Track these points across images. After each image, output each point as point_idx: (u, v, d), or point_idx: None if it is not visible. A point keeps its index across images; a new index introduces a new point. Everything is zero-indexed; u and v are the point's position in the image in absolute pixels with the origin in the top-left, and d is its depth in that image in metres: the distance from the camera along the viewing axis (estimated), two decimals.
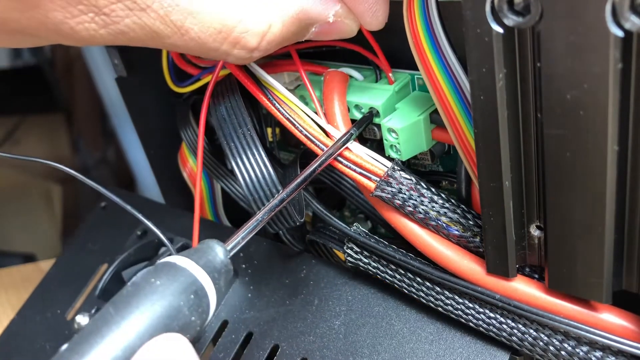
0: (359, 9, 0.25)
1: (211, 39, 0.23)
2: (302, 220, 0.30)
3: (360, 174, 0.27)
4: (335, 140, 0.27)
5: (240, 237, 0.24)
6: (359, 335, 0.29)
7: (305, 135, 0.28)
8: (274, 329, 0.31)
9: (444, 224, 0.26)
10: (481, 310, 0.26)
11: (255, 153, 0.29)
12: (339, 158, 0.27)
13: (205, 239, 0.23)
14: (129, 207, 0.31)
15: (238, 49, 0.24)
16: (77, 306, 0.38)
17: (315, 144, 0.28)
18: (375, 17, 0.25)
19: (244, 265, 0.34)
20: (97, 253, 0.40)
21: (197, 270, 0.21)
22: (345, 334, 0.29)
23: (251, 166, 0.29)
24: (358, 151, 0.28)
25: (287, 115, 0.28)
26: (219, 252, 0.23)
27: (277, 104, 0.29)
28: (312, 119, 0.29)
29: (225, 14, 0.23)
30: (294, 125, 0.28)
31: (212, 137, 0.39)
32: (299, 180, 0.27)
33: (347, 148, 0.27)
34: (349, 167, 0.27)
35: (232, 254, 0.23)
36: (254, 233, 0.25)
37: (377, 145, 0.30)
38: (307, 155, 0.32)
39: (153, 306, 0.19)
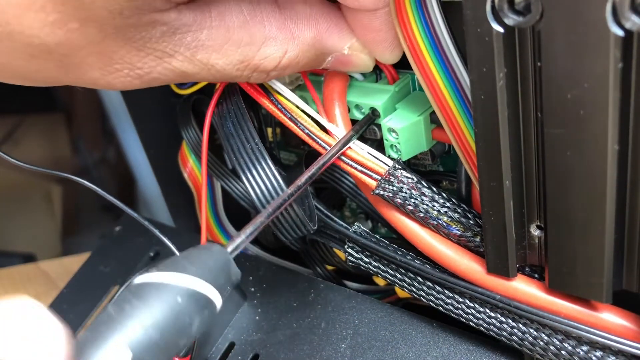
0: (375, 49, 0.27)
1: (235, 69, 0.25)
2: (315, 228, 0.30)
3: (362, 172, 0.27)
4: (338, 139, 0.28)
5: (243, 237, 0.24)
6: (364, 359, 0.29)
7: (308, 135, 0.28)
8: (281, 352, 0.31)
9: (445, 223, 0.26)
10: (481, 309, 0.26)
11: (265, 167, 0.29)
12: (341, 156, 0.27)
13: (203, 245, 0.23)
14: (146, 223, 0.31)
15: (258, 72, 0.26)
16: (87, 326, 0.38)
17: (318, 143, 0.28)
18: (392, 55, 0.27)
19: (252, 289, 0.35)
20: (109, 274, 0.40)
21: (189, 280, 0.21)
22: (351, 357, 0.30)
23: (262, 180, 0.29)
24: (360, 149, 0.28)
25: (290, 115, 0.29)
26: (216, 252, 0.22)
27: (278, 105, 0.29)
28: (313, 119, 0.29)
29: (246, 46, 0.25)
30: (296, 124, 0.28)
31: (213, 135, 0.39)
32: (302, 180, 0.27)
33: (348, 147, 0.27)
34: (351, 165, 0.27)
35: (234, 254, 0.23)
36: (257, 233, 0.25)
37: (378, 145, 0.30)
38: (312, 157, 0.32)
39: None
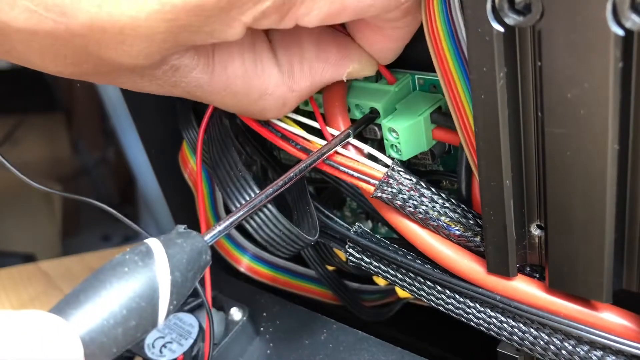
0: (381, 57, 0.28)
1: (231, 110, 0.28)
2: (315, 238, 0.30)
3: (359, 178, 0.27)
4: (328, 142, 0.28)
5: (222, 227, 0.25)
6: None
7: (301, 150, 0.29)
8: None
9: (445, 224, 0.26)
10: (482, 309, 0.26)
11: (252, 194, 0.30)
12: (334, 164, 0.28)
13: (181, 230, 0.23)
14: (144, 233, 0.31)
15: (267, 109, 0.27)
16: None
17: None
18: (392, 60, 0.28)
19: (266, 324, 0.35)
20: None
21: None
22: None
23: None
24: (354, 155, 0.28)
25: (280, 135, 0.29)
26: (194, 239, 0.22)
27: (272, 128, 0.29)
28: (314, 129, 0.29)
29: (243, 97, 0.26)
30: (289, 144, 0.29)
31: None
32: (290, 175, 0.27)
33: (342, 154, 0.28)
34: (347, 173, 0.27)
35: (211, 243, 0.24)
36: (232, 227, 0.26)
37: (378, 145, 0.30)
38: None
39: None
